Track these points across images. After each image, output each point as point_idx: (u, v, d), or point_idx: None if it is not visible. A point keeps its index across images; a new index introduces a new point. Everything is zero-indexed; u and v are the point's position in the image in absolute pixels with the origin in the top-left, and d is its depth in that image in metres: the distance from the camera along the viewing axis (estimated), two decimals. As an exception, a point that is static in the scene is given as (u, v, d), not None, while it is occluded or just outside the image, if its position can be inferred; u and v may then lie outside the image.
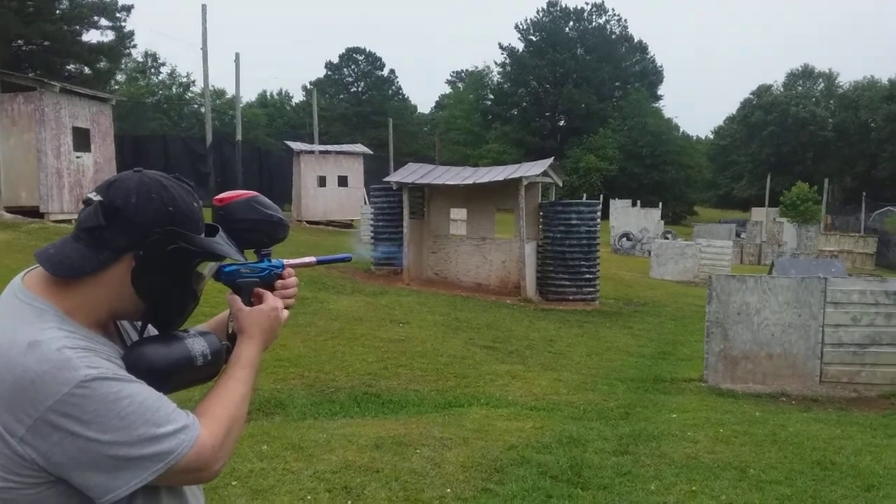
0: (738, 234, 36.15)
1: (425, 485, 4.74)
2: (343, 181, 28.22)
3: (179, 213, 1.36)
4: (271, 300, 1.60)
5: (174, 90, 63.31)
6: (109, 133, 17.49)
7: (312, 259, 1.80)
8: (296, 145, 29.10)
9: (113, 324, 1.45)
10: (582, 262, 14.22)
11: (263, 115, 71.88)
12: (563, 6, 70.06)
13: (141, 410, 1.24)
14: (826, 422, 6.85)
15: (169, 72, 63.85)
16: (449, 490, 4.70)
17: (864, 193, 46.57)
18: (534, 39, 69.44)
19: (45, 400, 1.19)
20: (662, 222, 37.71)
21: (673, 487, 4.91)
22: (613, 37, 71.11)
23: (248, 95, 79.43)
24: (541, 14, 70.09)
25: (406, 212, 14.67)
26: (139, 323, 1.48)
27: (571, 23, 70.36)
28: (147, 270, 1.35)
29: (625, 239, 32.07)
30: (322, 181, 27.76)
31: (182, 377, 1.42)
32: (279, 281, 1.65)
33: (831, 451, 5.71)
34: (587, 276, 14.33)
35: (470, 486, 4.79)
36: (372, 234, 16.11)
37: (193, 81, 61.79)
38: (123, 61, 45.59)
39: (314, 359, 8.25)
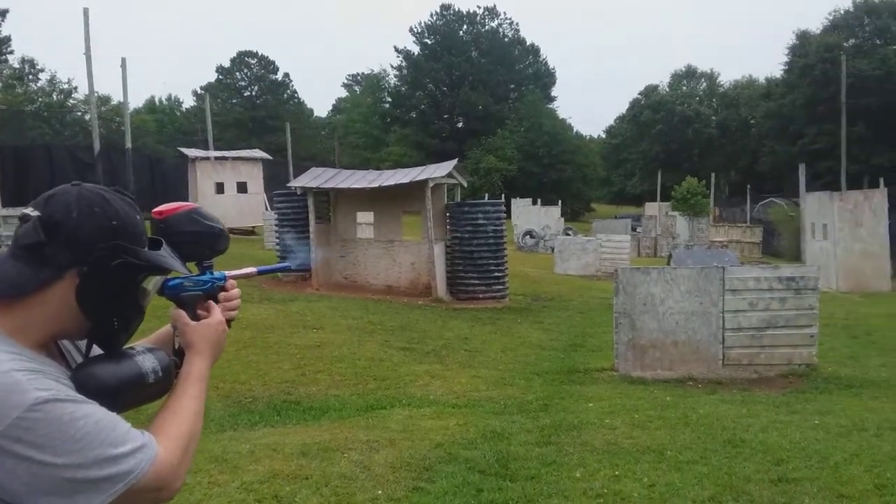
0: (633, 229, 37.49)
1: (356, 488, 4.71)
2: (242, 187, 27.63)
3: (122, 227, 1.31)
4: (217, 313, 1.57)
5: (55, 97, 60.28)
6: (-11, 143, 16.50)
7: (253, 269, 1.78)
8: (190, 152, 28.30)
9: (55, 344, 1.39)
10: (490, 261, 14.40)
11: (152, 121, 69.40)
12: (457, 10, 70.90)
13: (96, 431, 1.19)
14: (732, 402, 7.20)
15: (48, 78, 60.75)
16: (380, 492, 4.68)
17: (748, 186, 49.13)
18: (429, 42, 69.93)
19: None
20: (563, 219, 38.69)
21: (597, 473, 5.05)
22: (506, 40, 72.40)
23: (136, 101, 76.49)
24: (435, 17, 70.71)
25: (312, 217, 14.49)
26: (82, 343, 1.42)
27: (465, 26, 71.24)
28: (92, 287, 1.29)
29: (528, 237, 32.70)
30: (220, 188, 27.11)
31: (134, 395, 1.38)
32: (222, 293, 1.62)
33: (740, 430, 6.01)
34: (496, 274, 14.53)
35: (401, 487, 4.78)
36: (277, 241, 15.82)
37: (75, 88, 58.99)
38: (-1, 68, 43.03)
39: (227, 369, 8.02)
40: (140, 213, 1.39)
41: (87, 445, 1.18)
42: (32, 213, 1.27)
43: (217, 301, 1.60)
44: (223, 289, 1.62)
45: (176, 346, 1.54)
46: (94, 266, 1.28)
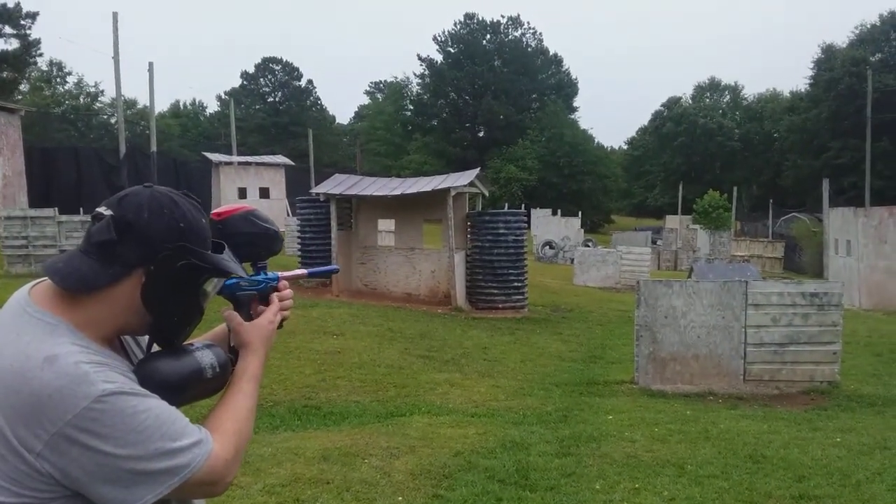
0: (653, 241, 37.32)
1: (377, 494, 4.74)
2: (265, 193, 27.84)
3: (189, 229, 1.36)
4: (270, 312, 1.60)
5: (82, 100, 61.15)
6: (19, 145, 16.82)
7: (304, 271, 1.83)
8: (214, 156, 28.58)
9: (118, 339, 1.43)
10: (510, 271, 14.41)
11: (177, 125, 70.18)
12: (480, 19, 71.01)
13: (157, 424, 1.24)
14: (753, 418, 7.16)
15: (76, 81, 61.67)
16: (400, 498, 4.71)
17: (770, 200, 48.78)
18: (452, 51, 70.07)
19: (63, 415, 1.17)
20: (582, 230, 38.61)
21: (617, 486, 5.05)
22: (529, 49, 72.41)
23: (161, 105, 77.27)
24: (458, 26, 70.82)
25: (334, 223, 14.58)
26: (142, 339, 1.47)
27: (488, 35, 71.31)
28: (157, 286, 1.34)
29: (548, 247, 32.67)
30: (243, 193, 27.32)
31: (193, 390, 1.42)
32: (276, 293, 1.66)
33: (761, 446, 5.98)
34: (515, 284, 14.53)
35: (421, 494, 4.81)
36: (299, 247, 15.93)
37: (102, 91, 59.92)
38: (28, 70, 43.67)
39: (249, 373, 8.09)
40: (206, 217, 1.44)
41: (148, 438, 1.22)
42: (106, 213, 1.32)
43: (269, 301, 1.63)
44: (276, 289, 1.65)
45: (231, 345, 1.58)
46: (160, 265, 1.32)
